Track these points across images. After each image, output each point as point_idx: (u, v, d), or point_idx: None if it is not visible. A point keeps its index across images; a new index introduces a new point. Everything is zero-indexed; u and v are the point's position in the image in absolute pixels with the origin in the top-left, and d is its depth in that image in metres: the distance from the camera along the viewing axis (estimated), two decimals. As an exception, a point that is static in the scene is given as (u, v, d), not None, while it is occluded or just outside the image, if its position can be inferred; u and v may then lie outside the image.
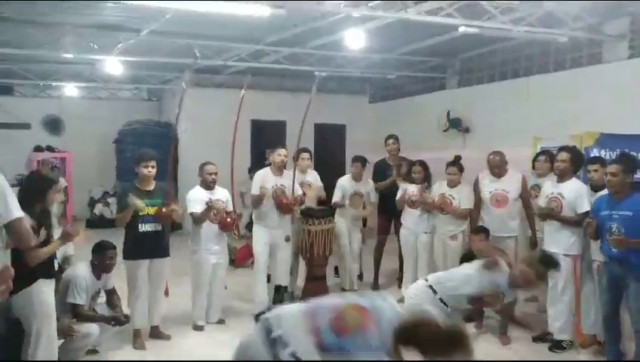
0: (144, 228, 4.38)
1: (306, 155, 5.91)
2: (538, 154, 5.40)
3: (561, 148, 4.64)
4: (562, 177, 4.46)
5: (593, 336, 4.43)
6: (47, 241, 3.29)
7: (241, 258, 7.24)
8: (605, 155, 6.10)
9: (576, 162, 4.50)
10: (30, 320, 3.13)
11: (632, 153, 5.54)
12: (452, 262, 5.10)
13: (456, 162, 5.51)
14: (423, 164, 5.68)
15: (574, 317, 4.43)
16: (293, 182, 5.28)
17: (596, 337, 4.38)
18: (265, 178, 5.21)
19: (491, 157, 5.21)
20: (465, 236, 5.26)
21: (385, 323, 2.06)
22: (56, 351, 3.35)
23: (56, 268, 3.63)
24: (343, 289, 6.07)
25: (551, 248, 4.45)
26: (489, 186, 5.19)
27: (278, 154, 5.32)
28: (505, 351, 4.50)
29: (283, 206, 5.17)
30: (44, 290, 3.20)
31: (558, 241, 4.42)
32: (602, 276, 3.99)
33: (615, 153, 5.91)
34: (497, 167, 5.16)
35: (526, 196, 5.09)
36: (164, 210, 4.41)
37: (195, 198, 4.83)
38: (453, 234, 5.28)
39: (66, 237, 3.46)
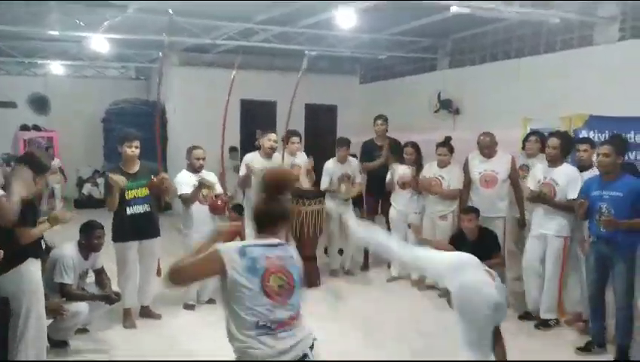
0: (132, 210, 4.36)
1: (295, 139, 5.88)
2: (529, 135, 5.43)
3: (552, 134, 4.67)
4: (554, 163, 4.49)
5: (578, 314, 4.52)
6: (35, 222, 3.27)
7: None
8: (594, 137, 6.16)
9: (566, 147, 4.53)
10: (19, 299, 3.13)
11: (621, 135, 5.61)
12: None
13: (446, 143, 5.53)
14: (415, 145, 5.69)
15: (558, 295, 4.52)
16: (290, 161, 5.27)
17: (581, 315, 4.48)
18: (253, 161, 5.20)
19: (481, 138, 5.24)
20: (454, 216, 5.31)
21: None
22: (45, 330, 3.35)
23: (44, 248, 3.61)
24: (333, 270, 6.13)
25: (541, 230, 4.53)
26: (479, 167, 5.22)
27: (268, 139, 5.32)
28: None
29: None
30: (33, 269, 3.20)
31: (549, 223, 4.47)
32: (589, 255, 4.04)
33: (604, 135, 5.98)
34: (487, 147, 5.19)
35: (515, 177, 5.14)
36: (154, 179, 4.38)
37: (183, 181, 4.80)
38: (442, 214, 5.34)
39: (54, 221, 3.44)
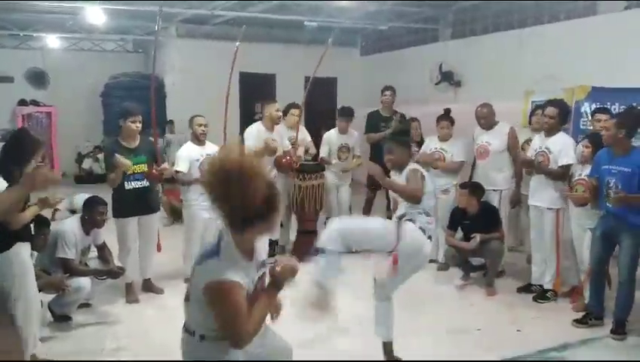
0: (130, 185, 4.34)
1: (295, 111, 5.81)
2: (534, 109, 5.36)
3: (550, 102, 4.58)
4: (550, 131, 4.45)
5: (575, 287, 4.56)
6: (25, 205, 3.20)
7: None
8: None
9: (563, 116, 4.48)
10: (9, 283, 3.14)
11: (623, 106, 5.55)
12: (442, 215, 5.16)
13: (446, 115, 5.48)
14: (417, 120, 5.66)
15: (555, 267, 4.54)
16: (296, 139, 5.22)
17: (578, 289, 4.48)
18: (258, 133, 5.15)
19: (478, 109, 5.20)
20: (457, 190, 5.30)
21: None
22: (35, 313, 3.35)
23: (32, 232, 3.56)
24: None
25: (534, 202, 4.54)
26: (478, 139, 5.21)
27: (276, 110, 5.23)
28: (491, 301, 4.63)
29: (283, 165, 5.11)
30: (22, 252, 3.20)
31: (542, 195, 4.47)
32: (596, 228, 3.99)
33: (605, 105, 5.92)
34: (483, 118, 5.14)
35: (514, 150, 5.05)
36: (154, 170, 4.35)
37: (184, 156, 4.71)
38: (444, 188, 5.31)
39: (44, 204, 3.37)
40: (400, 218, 3.29)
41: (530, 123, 5.32)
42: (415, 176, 3.27)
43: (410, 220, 3.22)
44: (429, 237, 3.24)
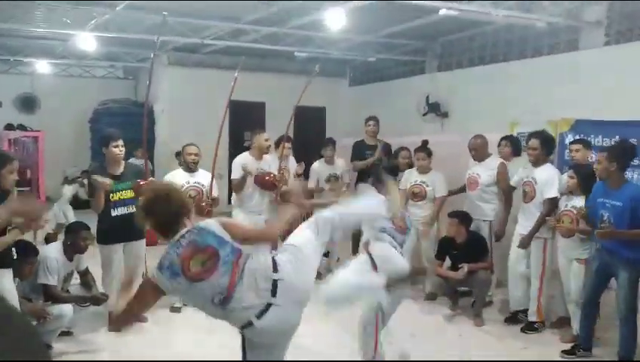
0: (116, 212, 4.29)
1: (287, 144, 5.86)
2: (500, 140, 5.50)
3: (531, 135, 4.66)
4: (536, 163, 4.52)
5: (563, 317, 4.55)
6: (4, 230, 3.14)
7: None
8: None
9: (547, 146, 4.56)
10: None
11: (606, 139, 5.68)
12: (426, 246, 5.19)
13: (424, 147, 5.50)
14: (408, 150, 5.71)
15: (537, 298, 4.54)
16: (281, 165, 5.25)
17: (566, 320, 4.46)
18: (245, 163, 5.16)
19: (472, 140, 5.27)
20: (438, 221, 5.34)
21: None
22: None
23: (14, 257, 3.48)
24: (318, 273, 6.09)
25: (524, 230, 4.55)
26: (470, 169, 5.27)
27: (265, 139, 5.27)
28: (479, 331, 4.60)
29: (266, 183, 5.12)
30: (2, 280, 3.12)
31: (530, 224, 4.49)
32: (593, 261, 3.95)
33: (589, 138, 6.05)
34: (474, 149, 5.21)
35: (503, 183, 5.06)
36: (142, 183, 4.31)
37: (174, 181, 4.71)
38: (424, 221, 5.25)
39: (24, 228, 3.23)
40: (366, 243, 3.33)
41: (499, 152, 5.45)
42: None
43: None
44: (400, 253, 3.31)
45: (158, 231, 2.42)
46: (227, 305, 2.27)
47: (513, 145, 5.46)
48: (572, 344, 4.10)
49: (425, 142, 5.57)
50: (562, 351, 4.05)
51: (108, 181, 4.14)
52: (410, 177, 5.43)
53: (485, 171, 5.14)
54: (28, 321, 0.83)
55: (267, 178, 5.12)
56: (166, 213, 2.36)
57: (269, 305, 2.29)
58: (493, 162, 5.17)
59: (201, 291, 2.28)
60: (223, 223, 2.40)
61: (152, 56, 5.04)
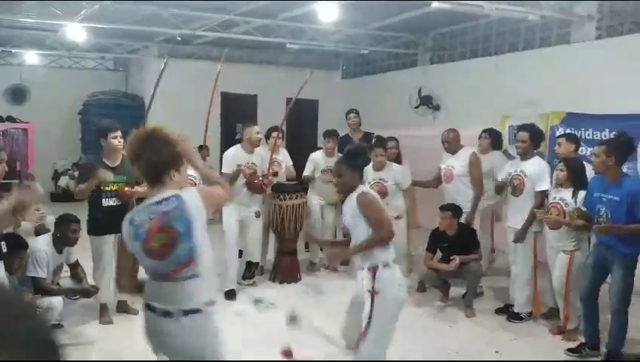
0: (108, 202, 4.26)
1: (276, 134, 5.80)
2: (482, 132, 5.54)
3: (520, 128, 4.69)
4: (524, 156, 4.55)
5: (552, 309, 4.60)
6: None
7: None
8: (570, 134, 6.24)
9: (535, 139, 4.58)
10: None
11: (597, 132, 5.72)
12: (398, 240, 5.20)
13: (379, 143, 5.45)
14: (396, 140, 5.70)
15: (532, 290, 4.59)
16: (272, 158, 5.24)
17: (555, 311, 4.51)
18: (236, 156, 5.14)
19: (444, 133, 5.32)
20: (408, 214, 5.36)
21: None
22: None
23: (3, 250, 3.47)
24: (312, 264, 6.13)
25: (514, 224, 4.59)
26: (444, 163, 5.32)
27: (256, 132, 5.23)
28: (469, 322, 4.64)
29: (255, 186, 5.12)
30: None
31: (517, 217, 4.55)
32: (588, 257, 3.96)
33: (580, 132, 6.10)
34: (447, 142, 5.25)
35: (474, 174, 5.12)
36: (126, 189, 4.25)
37: None
38: (396, 215, 5.16)
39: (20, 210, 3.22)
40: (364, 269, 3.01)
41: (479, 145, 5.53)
42: (372, 206, 3.00)
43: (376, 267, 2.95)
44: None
45: (145, 179, 2.35)
46: (164, 283, 2.26)
47: (492, 138, 5.51)
48: (578, 342, 4.03)
49: (380, 138, 5.60)
50: (567, 349, 3.99)
51: (110, 176, 4.11)
52: (368, 176, 5.18)
53: (458, 162, 5.19)
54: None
55: (256, 181, 5.09)
56: (150, 162, 2.21)
57: (193, 311, 2.22)
58: (466, 153, 5.21)
59: (146, 264, 2.29)
60: (202, 195, 2.28)
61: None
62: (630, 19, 5.93)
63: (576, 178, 4.11)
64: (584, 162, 4.39)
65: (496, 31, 7.62)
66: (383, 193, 5.07)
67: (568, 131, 5.70)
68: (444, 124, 7.60)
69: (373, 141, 5.60)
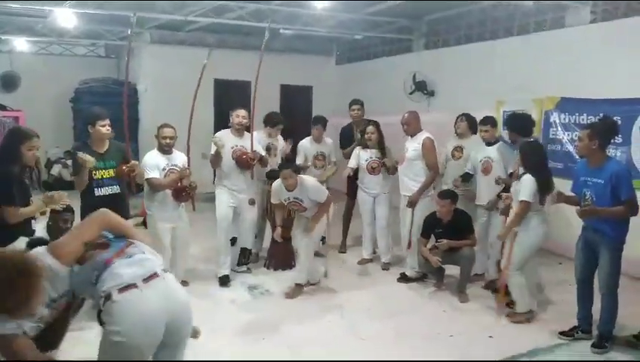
0: (100, 191, 4.22)
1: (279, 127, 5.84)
2: (458, 116, 5.58)
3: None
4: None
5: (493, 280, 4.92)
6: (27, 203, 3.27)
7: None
8: (565, 119, 6.28)
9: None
10: None
11: (591, 117, 5.71)
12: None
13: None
14: (376, 124, 5.66)
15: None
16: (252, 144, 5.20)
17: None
18: (224, 138, 5.11)
19: (405, 115, 5.32)
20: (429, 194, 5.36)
21: None
22: None
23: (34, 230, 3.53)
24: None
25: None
26: (405, 145, 5.33)
27: (237, 115, 5.22)
28: (463, 307, 4.67)
29: (241, 160, 5.07)
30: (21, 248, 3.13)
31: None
32: (578, 241, 3.96)
33: (574, 117, 6.09)
34: (405, 124, 5.27)
35: (427, 158, 5.11)
36: (124, 167, 4.25)
37: (152, 164, 4.63)
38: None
39: (49, 201, 3.37)
40: None
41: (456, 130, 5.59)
42: None
43: None
44: None
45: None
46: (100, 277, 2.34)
47: (469, 122, 5.49)
48: (572, 326, 4.03)
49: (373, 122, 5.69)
50: (559, 333, 4.01)
51: (90, 158, 4.06)
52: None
53: (412, 145, 5.18)
54: None
55: (244, 156, 5.05)
56: (10, 301, 2.11)
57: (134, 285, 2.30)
58: (421, 136, 5.17)
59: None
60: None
61: (129, 32, 4.90)
62: (625, 2, 5.89)
63: (527, 161, 4.12)
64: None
65: (491, 15, 7.57)
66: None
67: (563, 116, 5.71)
68: (438, 110, 7.62)
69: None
